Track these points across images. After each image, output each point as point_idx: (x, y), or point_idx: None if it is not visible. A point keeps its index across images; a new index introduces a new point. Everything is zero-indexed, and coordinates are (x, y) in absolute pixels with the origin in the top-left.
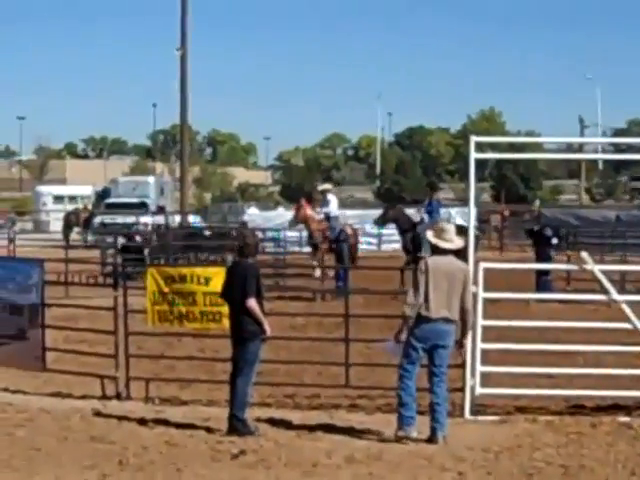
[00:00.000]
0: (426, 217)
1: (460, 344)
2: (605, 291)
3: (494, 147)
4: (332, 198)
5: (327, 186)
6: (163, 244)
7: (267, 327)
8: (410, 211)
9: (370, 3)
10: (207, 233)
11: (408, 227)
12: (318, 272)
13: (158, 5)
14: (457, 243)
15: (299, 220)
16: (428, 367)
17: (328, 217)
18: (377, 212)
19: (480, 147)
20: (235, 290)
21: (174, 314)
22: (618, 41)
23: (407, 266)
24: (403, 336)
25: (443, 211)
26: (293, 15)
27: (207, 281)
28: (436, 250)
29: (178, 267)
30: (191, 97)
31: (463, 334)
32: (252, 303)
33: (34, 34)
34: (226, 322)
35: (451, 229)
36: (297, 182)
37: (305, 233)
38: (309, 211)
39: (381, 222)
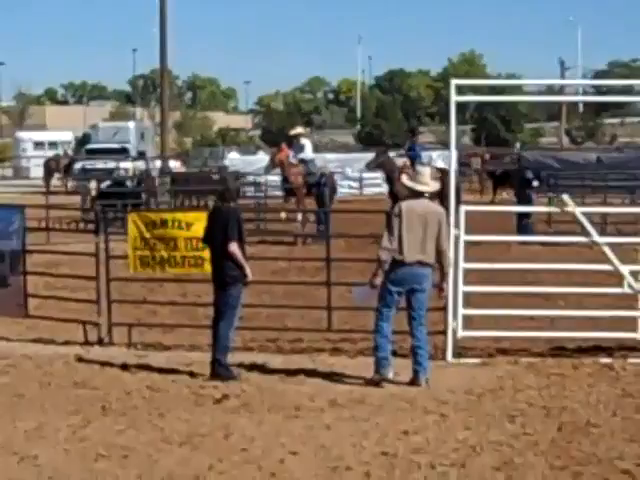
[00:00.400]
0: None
1: (440, 288)
2: (586, 233)
3: (475, 90)
4: (306, 142)
5: (299, 130)
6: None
7: (249, 272)
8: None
9: None
10: (215, 177)
11: (394, 173)
12: (300, 216)
13: None
14: (433, 186)
15: (275, 165)
16: (407, 311)
17: (304, 161)
18: (358, 155)
19: (461, 90)
20: (217, 235)
21: (155, 259)
22: None
23: None
24: (378, 280)
25: (424, 154)
26: None
27: (188, 226)
28: (412, 193)
29: (159, 212)
30: (171, 42)
31: (442, 277)
32: (234, 248)
33: None
34: (208, 267)
35: (426, 172)
36: (277, 126)
37: None
38: (284, 155)
39: (371, 167)
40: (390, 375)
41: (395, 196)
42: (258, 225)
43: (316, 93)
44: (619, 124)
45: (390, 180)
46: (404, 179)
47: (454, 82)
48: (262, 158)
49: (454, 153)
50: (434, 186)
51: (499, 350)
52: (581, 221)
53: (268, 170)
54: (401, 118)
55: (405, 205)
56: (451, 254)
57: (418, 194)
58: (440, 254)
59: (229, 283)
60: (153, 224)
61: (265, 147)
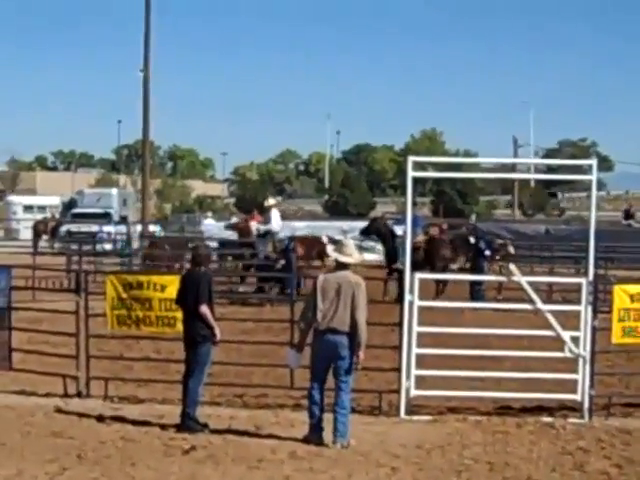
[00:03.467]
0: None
1: (356, 356)
2: (531, 301)
3: (434, 165)
4: (274, 214)
5: (271, 202)
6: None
7: (218, 331)
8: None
9: (318, 28)
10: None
11: (388, 239)
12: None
13: (123, 31)
14: (356, 257)
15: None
16: (334, 378)
17: (270, 233)
18: (325, 223)
19: (421, 165)
20: (189, 297)
21: (132, 318)
22: (551, 65)
23: (389, 276)
24: (303, 345)
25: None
26: (247, 38)
27: (163, 288)
28: (337, 264)
29: (136, 274)
30: (153, 114)
31: (358, 346)
32: (204, 309)
33: (7, 54)
34: (180, 326)
35: (351, 244)
36: (251, 195)
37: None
38: (252, 223)
39: (365, 234)
40: (322, 440)
41: (390, 258)
42: (230, 287)
43: (288, 164)
44: (569, 199)
45: (386, 244)
46: (329, 250)
47: (411, 159)
48: None
49: (409, 224)
50: (357, 257)
51: (449, 408)
52: (526, 289)
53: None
54: (365, 189)
55: (322, 277)
56: (405, 318)
57: (342, 265)
58: (354, 324)
59: (199, 342)
60: (130, 285)
61: (239, 214)
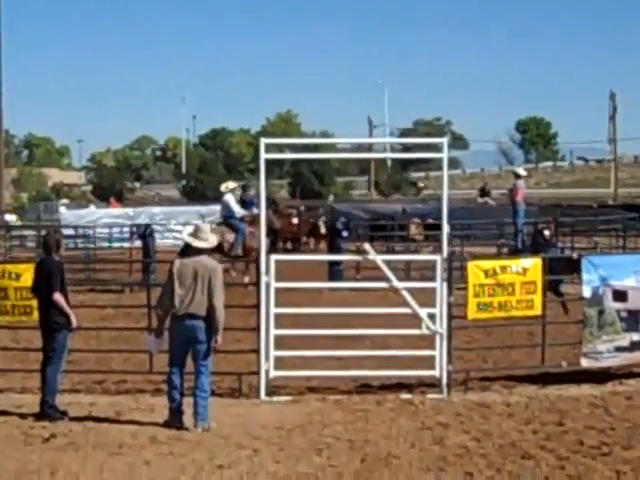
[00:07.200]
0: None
1: (215, 340)
2: (387, 279)
3: (292, 147)
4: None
5: (230, 184)
6: None
7: (73, 318)
8: None
9: (168, 13)
10: None
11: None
12: None
13: None
14: (211, 241)
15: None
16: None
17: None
18: (182, 209)
19: (279, 147)
20: (42, 285)
21: None
22: (404, 46)
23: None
24: (161, 331)
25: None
26: (98, 25)
27: (18, 277)
28: (190, 249)
29: None
30: (6, 103)
31: (215, 330)
32: (57, 297)
33: None
34: (36, 315)
35: (207, 228)
36: (108, 182)
37: (115, 229)
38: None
39: None
40: (183, 425)
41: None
42: (88, 274)
43: (145, 150)
44: (424, 177)
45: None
46: (184, 234)
47: (263, 141)
48: (93, 211)
49: (264, 206)
50: (213, 241)
51: (309, 388)
52: (381, 268)
53: None
54: (223, 173)
55: (178, 262)
56: (263, 299)
57: (198, 250)
58: (211, 308)
59: (55, 329)
60: None
61: (96, 201)
